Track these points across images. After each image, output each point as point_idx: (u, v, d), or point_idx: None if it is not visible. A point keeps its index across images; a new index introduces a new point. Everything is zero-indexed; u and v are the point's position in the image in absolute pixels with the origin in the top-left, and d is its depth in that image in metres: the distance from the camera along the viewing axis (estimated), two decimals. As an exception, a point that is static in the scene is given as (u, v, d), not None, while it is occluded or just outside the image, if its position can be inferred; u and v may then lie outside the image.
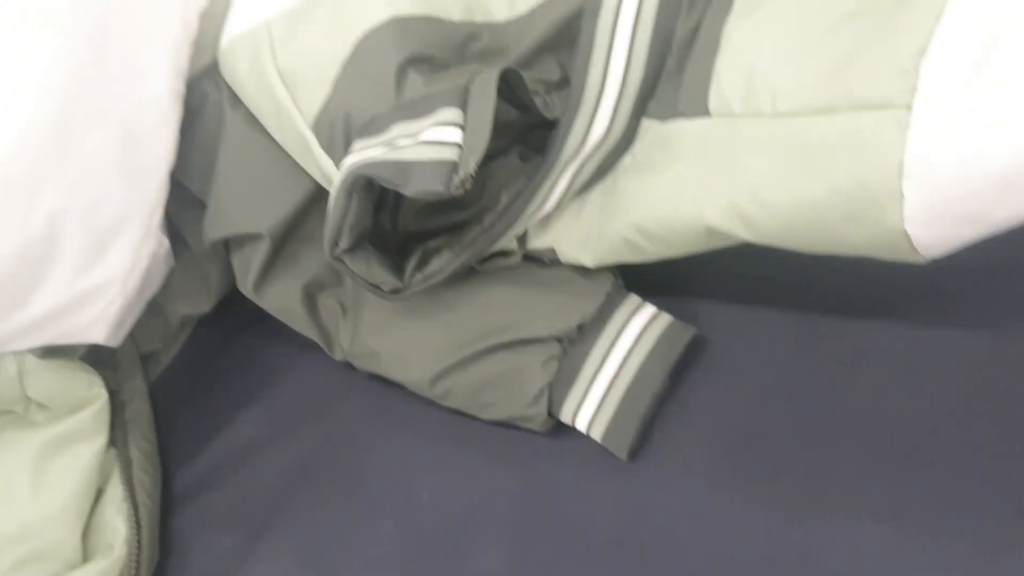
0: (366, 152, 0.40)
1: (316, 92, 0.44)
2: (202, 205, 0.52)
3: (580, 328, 0.44)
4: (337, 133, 0.43)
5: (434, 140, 0.38)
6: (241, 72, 0.49)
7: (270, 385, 0.54)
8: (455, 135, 0.37)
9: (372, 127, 0.40)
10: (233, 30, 0.50)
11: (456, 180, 0.36)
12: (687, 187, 0.38)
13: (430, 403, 0.47)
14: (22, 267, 0.44)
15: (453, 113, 0.38)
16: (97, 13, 0.46)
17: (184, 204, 0.52)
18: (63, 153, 0.44)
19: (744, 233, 0.37)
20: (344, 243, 0.42)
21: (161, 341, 0.56)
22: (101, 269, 0.46)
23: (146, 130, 0.47)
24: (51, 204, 0.44)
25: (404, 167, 0.38)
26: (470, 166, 0.36)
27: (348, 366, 0.51)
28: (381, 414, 0.49)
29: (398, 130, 0.39)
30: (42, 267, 0.44)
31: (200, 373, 0.56)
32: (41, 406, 0.51)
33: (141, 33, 0.48)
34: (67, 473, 0.49)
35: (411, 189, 0.37)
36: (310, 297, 0.49)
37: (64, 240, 0.45)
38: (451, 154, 0.37)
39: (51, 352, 0.50)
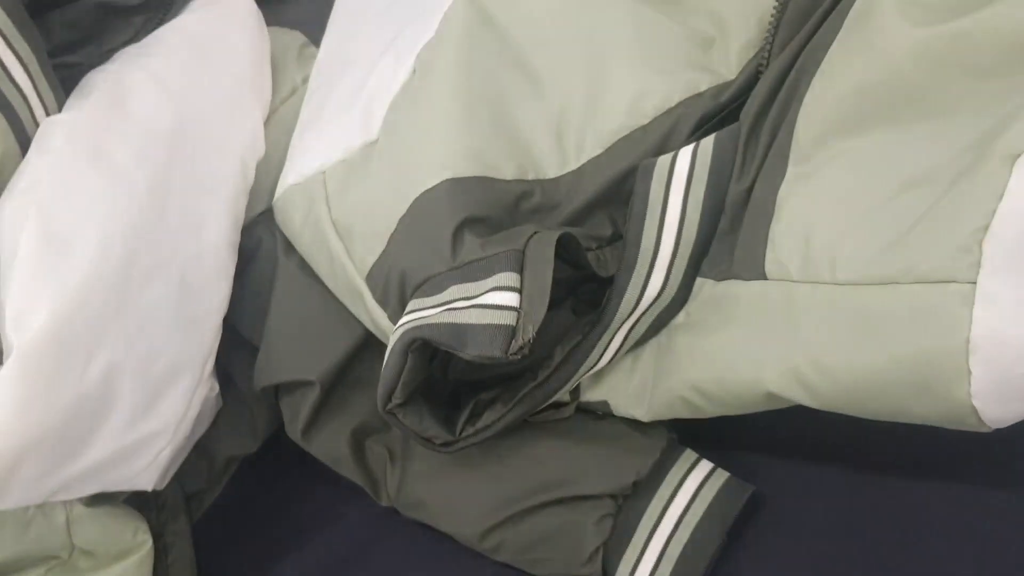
0: (423, 312, 0.40)
1: (371, 246, 0.45)
2: (251, 346, 0.53)
3: (635, 485, 0.43)
4: (392, 288, 0.43)
5: (491, 304, 0.38)
6: (296, 221, 0.50)
7: (314, 529, 0.53)
8: (512, 299, 0.37)
9: (428, 287, 0.41)
10: (288, 179, 0.51)
11: (514, 346, 0.36)
12: (745, 350, 0.38)
13: (478, 555, 0.46)
14: (76, 420, 0.44)
15: (510, 277, 0.38)
16: (159, 165, 0.48)
17: (233, 345, 0.52)
18: (122, 305, 0.45)
19: (806, 399, 0.37)
20: (398, 399, 0.42)
21: (206, 481, 0.55)
22: (153, 419, 0.46)
23: (202, 280, 0.48)
24: (108, 357, 0.44)
25: (461, 330, 0.38)
26: (529, 333, 0.36)
27: (395, 511, 0.50)
28: (427, 565, 0.48)
29: (455, 292, 0.39)
30: (96, 419, 0.44)
31: (243, 514, 0.56)
32: (86, 552, 0.50)
33: (201, 185, 0.49)
34: (112, 621, 0.49)
35: (468, 353, 0.37)
36: (358, 443, 0.49)
37: (119, 392, 0.45)
38: (508, 319, 0.37)
39: (97, 497, 0.50)
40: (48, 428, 0.42)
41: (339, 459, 0.49)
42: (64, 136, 0.47)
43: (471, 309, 0.38)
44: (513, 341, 0.37)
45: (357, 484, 0.50)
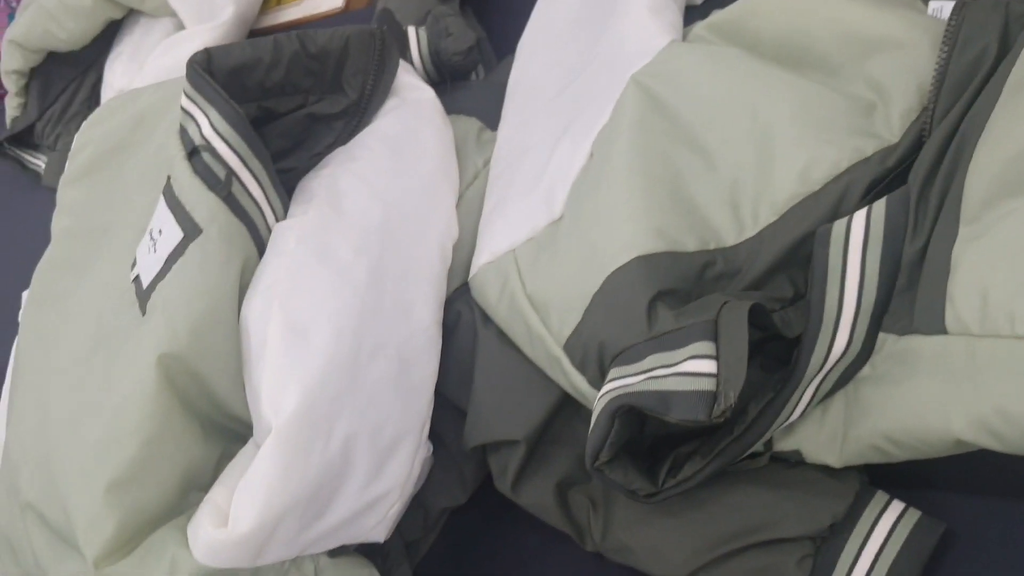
0: (625, 380, 0.44)
1: (567, 319, 0.50)
2: (456, 408, 0.58)
3: (832, 527, 0.46)
4: (590, 356, 0.48)
5: (691, 371, 0.42)
6: (491, 296, 0.55)
7: (524, 573, 0.58)
8: (710, 366, 0.42)
9: (627, 356, 0.45)
10: (482, 259, 0.57)
11: (717, 410, 0.41)
12: (932, 401, 0.41)
13: (683, 594, 0.50)
14: (322, 485, 0.50)
15: (706, 346, 0.42)
16: (374, 258, 0.54)
17: (441, 408, 0.58)
18: (354, 384, 0.51)
19: (995, 446, 0.39)
20: (604, 457, 0.46)
21: (422, 530, 0.61)
22: (384, 481, 0.53)
23: (416, 356, 0.54)
24: (345, 429, 0.50)
25: (665, 396, 0.42)
26: (730, 399, 0.40)
27: (597, 556, 0.54)
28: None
29: (653, 360, 0.44)
30: (338, 484, 0.51)
31: (457, 560, 0.61)
32: (327, 599, 0.57)
33: (408, 271, 0.55)
34: (352, 662, 0.55)
35: (673, 417, 0.42)
36: (562, 493, 0.54)
37: (355, 459, 0.51)
38: (709, 385, 0.41)
39: (335, 548, 0.57)
40: (301, 493, 0.49)
41: (545, 509, 0.54)
42: (295, 239, 0.54)
43: (672, 377, 0.42)
44: (716, 405, 0.41)
45: (561, 531, 0.55)
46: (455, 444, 0.59)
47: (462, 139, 0.64)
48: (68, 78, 1.04)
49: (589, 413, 0.53)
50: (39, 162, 1.08)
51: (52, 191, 1.07)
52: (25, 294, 0.80)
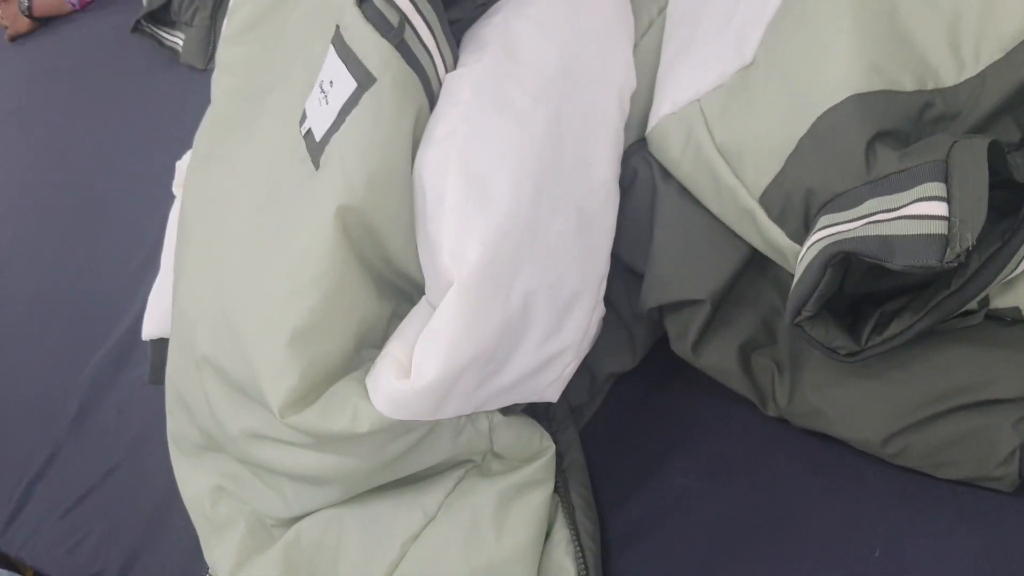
0: (841, 227, 0.41)
1: (765, 167, 0.47)
2: (627, 272, 0.57)
3: (1053, 389, 0.43)
4: (792, 206, 0.45)
5: (918, 214, 0.39)
6: (674, 149, 0.52)
7: (695, 438, 0.57)
8: (941, 209, 0.38)
9: (842, 202, 0.42)
10: (662, 110, 0.54)
11: (951, 254, 0.38)
12: None
13: (873, 460, 0.48)
14: (502, 341, 0.49)
15: (936, 187, 0.39)
16: (552, 107, 0.52)
17: (611, 271, 0.57)
18: (533, 238, 0.49)
19: None
20: (808, 311, 0.44)
21: (588, 395, 0.61)
22: (561, 338, 0.52)
23: (594, 212, 0.52)
24: (525, 284, 0.49)
25: (888, 241, 0.39)
26: (967, 241, 0.37)
27: (777, 421, 0.53)
28: (822, 469, 0.51)
29: (874, 204, 0.41)
30: (516, 340, 0.50)
31: (623, 425, 0.60)
32: (497, 456, 0.57)
33: (588, 122, 0.53)
34: (524, 517, 0.55)
35: (898, 263, 0.39)
36: (744, 356, 0.52)
37: (533, 315, 0.50)
38: (940, 228, 0.38)
39: (505, 409, 0.56)
40: (482, 346, 0.48)
41: (727, 372, 0.52)
42: (471, 88, 0.52)
43: (897, 221, 0.39)
44: (949, 249, 0.38)
45: (731, 396, 0.53)
46: (625, 307, 0.57)
47: (635, -14, 0.61)
48: (204, -49, 1.04)
49: (777, 273, 0.51)
50: (176, 39, 1.09)
51: (189, 68, 1.09)
52: (179, 164, 0.80)
